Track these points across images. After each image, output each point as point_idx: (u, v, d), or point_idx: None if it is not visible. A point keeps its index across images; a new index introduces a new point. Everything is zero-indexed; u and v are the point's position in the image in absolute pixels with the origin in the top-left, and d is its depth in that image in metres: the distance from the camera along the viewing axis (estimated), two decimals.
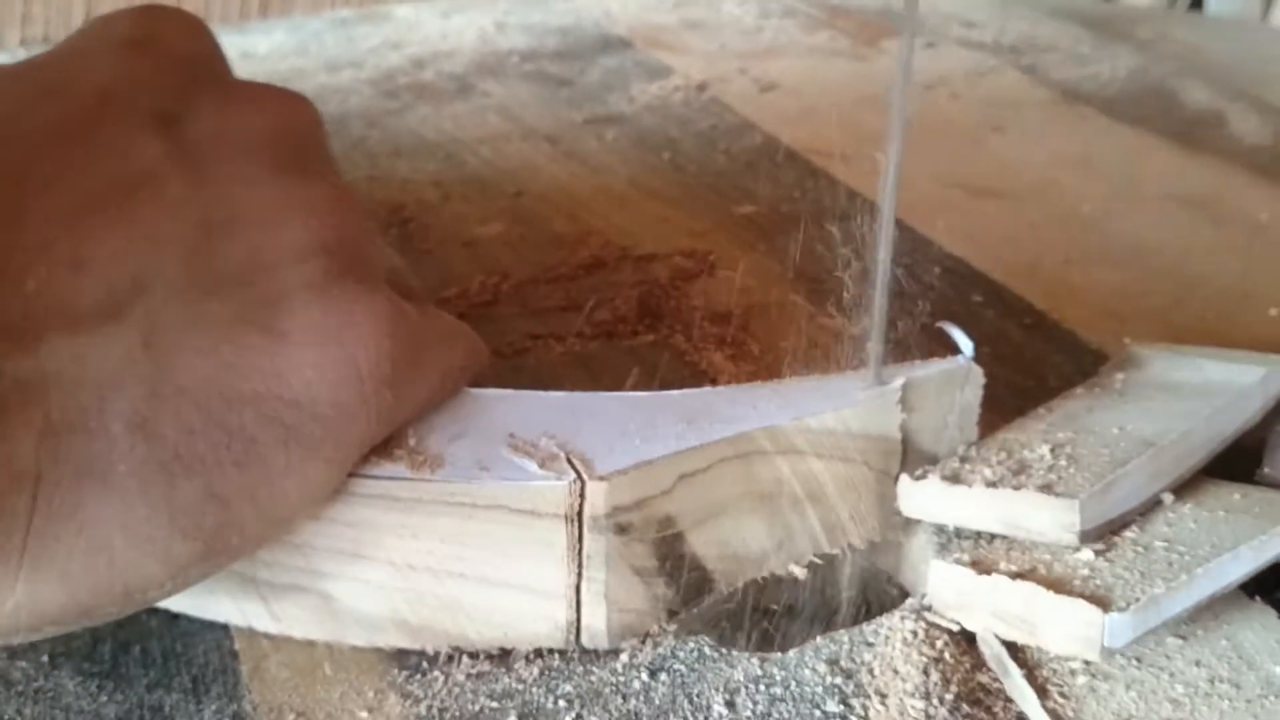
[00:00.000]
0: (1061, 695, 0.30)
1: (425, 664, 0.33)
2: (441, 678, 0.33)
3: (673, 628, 0.34)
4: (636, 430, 0.34)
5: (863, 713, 0.31)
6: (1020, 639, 0.31)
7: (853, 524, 0.36)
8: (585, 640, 0.33)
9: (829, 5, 0.84)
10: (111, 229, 0.29)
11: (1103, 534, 0.32)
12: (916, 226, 0.54)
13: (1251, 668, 0.31)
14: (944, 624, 0.32)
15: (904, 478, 0.34)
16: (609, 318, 0.48)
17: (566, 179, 0.60)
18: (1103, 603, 0.29)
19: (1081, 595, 0.30)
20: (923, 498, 0.34)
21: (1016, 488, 0.32)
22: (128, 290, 0.29)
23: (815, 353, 0.46)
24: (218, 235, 0.31)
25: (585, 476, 0.32)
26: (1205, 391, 0.37)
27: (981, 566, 0.31)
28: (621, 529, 0.32)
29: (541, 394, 0.36)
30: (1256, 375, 0.38)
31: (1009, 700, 0.31)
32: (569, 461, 0.32)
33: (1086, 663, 0.31)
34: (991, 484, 0.33)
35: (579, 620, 0.33)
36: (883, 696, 0.31)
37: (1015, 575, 0.31)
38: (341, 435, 0.31)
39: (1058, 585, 0.30)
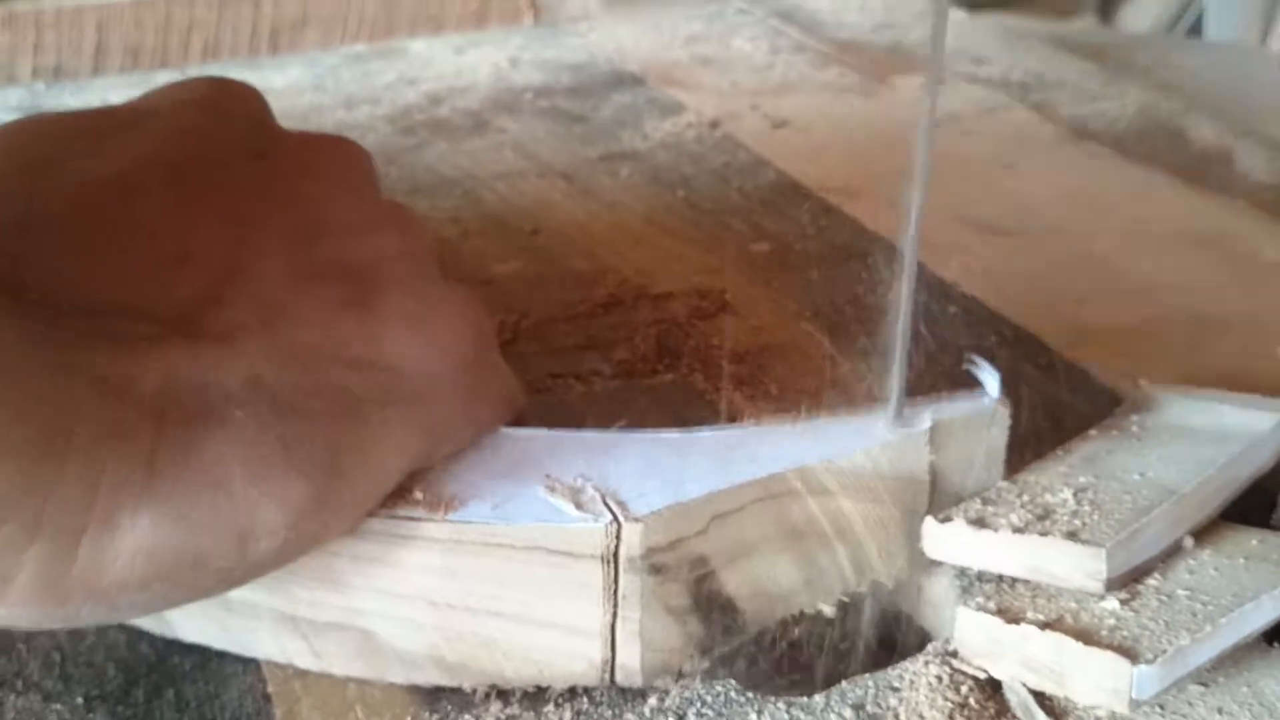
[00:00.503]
0: None
1: (456, 708, 0.33)
2: (471, 719, 0.33)
3: (705, 665, 0.34)
4: (670, 470, 0.35)
5: None
6: (1048, 689, 0.31)
7: (881, 562, 0.36)
8: (620, 678, 0.34)
9: (838, 41, 0.85)
10: (215, 228, 0.32)
11: (1126, 581, 0.32)
12: (931, 265, 0.55)
13: (1273, 715, 0.31)
14: (970, 671, 0.33)
15: (929, 520, 0.35)
16: (628, 357, 0.49)
17: (583, 216, 0.61)
18: (1130, 654, 0.30)
19: (1109, 646, 0.30)
20: (948, 541, 0.34)
21: (1042, 534, 0.33)
22: (233, 277, 0.32)
23: (833, 392, 0.47)
24: (312, 241, 0.34)
25: (621, 518, 0.32)
26: (1222, 437, 0.37)
27: (1009, 615, 0.32)
28: (656, 569, 0.33)
29: (576, 433, 0.37)
30: (1272, 421, 0.38)
31: None
32: (605, 503, 0.33)
33: (1113, 712, 0.31)
34: (1018, 529, 0.33)
35: (614, 659, 0.33)
36: None
37: (1043, 625, 0.31)
38: (428, 402, 0.33)
39: (1085, 636, 0.30)
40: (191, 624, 0.35)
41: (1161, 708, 0.31)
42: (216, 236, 0.33)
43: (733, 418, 0.45)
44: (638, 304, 0.53)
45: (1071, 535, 0.32)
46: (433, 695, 0.34)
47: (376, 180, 0.40)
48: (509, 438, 0.36)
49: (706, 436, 0.37)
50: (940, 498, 0.37)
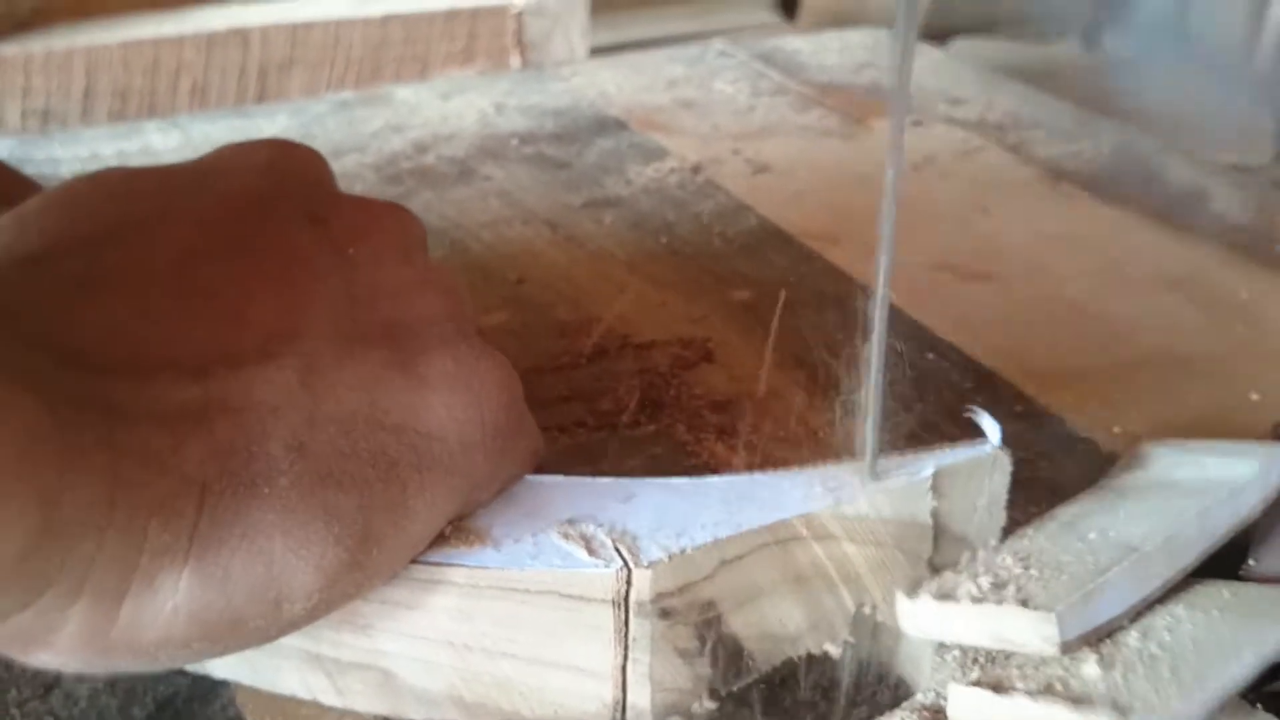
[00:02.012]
0: None
1: None
2: None
3: (714, 705, 0.36)
4: (680, 516, 0.36)
5: None
6: None
7: (886, 605, 0.37)
8: (631, 718, 0.35)
9: (819, 84, 0.86)
10: (270, 290, 0.34)
11: (1089, 642, 0.33)
12: (908, 310, 0.56)
13: None
14: None
15: (900, 596, 0.36)
16: (612, 408, 0.49)
17: (567, 264, 0.61)
18: (1125, 717, 0.30)
19: (1104, 711, 0.30)
20: (919, 616, 0.35)
21: (998, 602, 0.33)
22: (284, 338, 0.33)
23: (816, 442, 0.48)
24: (361, 304, 0.36)
25: (632, 564, 0.34)
26: (1201, 489, 0.38)
27: (1001, 687, 0.32)
28: (665, 613, 0.34)
29: (589, 480, 0.39)
30: (1253, 469, 0.39)
31: None
32: (616, 549, 0.34)
33: None
34: (976, 599, 0.34)
35: (625, 699, 0.35)
36: None
37: (1036, 694, 0.31)
38: (464, 468, 0.35)
39: (1078, 701, 0.31)
40: (221, 662, 0.36)
41: None
42: (270, 300, 0.34)
43: (714, 469, 0.46)
44: (621, 354, 0.53)
45: (1024, 601, 0.33)
46: None
47: (425, 245, 0.42)
48: (526, 483, 0.38)
49: (715, 483, 0.38)
50: (944, 542, 0.38)
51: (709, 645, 0.35)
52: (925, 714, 0.35)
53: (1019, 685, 0.32)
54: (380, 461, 0.33)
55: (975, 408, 0.39)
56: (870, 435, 0.38)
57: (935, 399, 0.50)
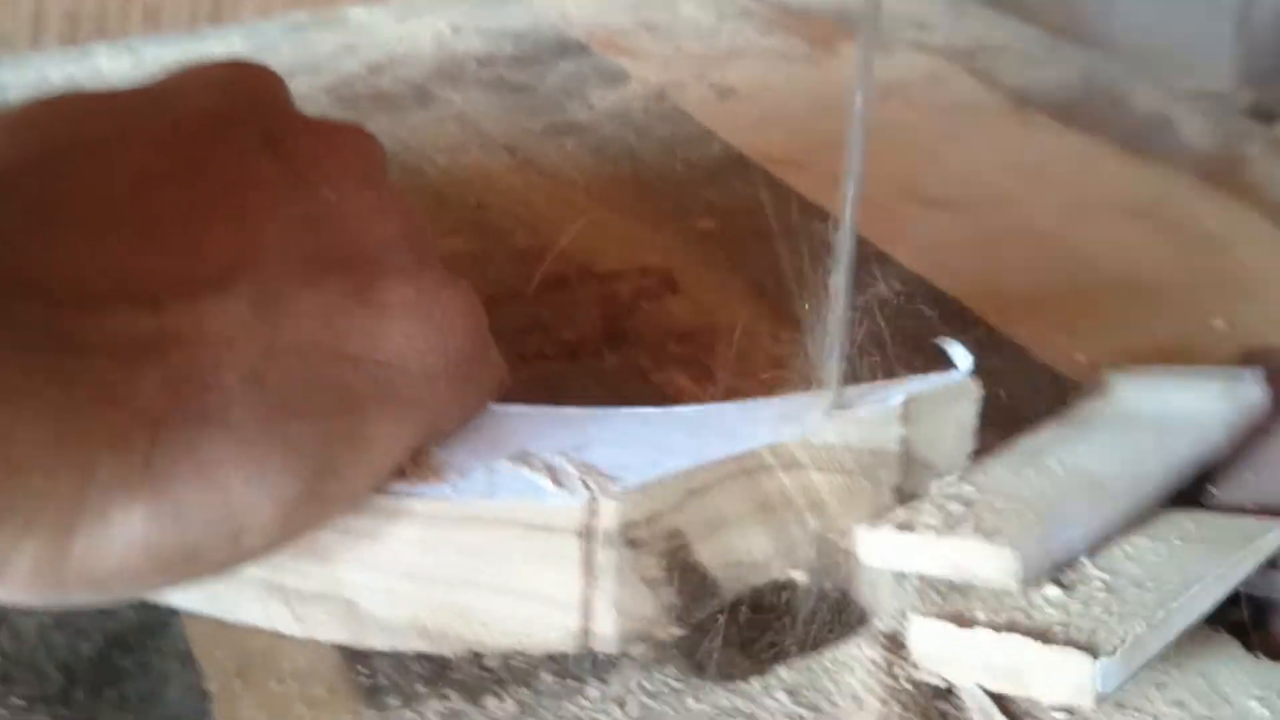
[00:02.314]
0: None
1: (400, 702, 0.34)
2: (412, 716, 0.33)
3: (680, 632, 0.35)
4: (648, 447, 0.36)
5: None
6: (1009, 690, 0.31)
7: (851, 533, 0.37)
8: (596, 646, 0.35)
9: (785, 6, 0.84)
10: (226, 217, 0.33)
11: (1049, 575, 0.33)
12: (874, 240, 0.55)
13: (1227, 703, 0.32)
14: (929, 680, 0.33)
15: (860, 527, 0.35)
16: (573, 338, 0.49)
17: (526, 190, 0.60)
18: (1091, 648, 0.30)
19: (1068, 643, 0.30)
20: (879, 547, 0.35)
21: (959, 534, 0.33)
22: (239, 267, 0.32)
23: (780, 372, 0.47)
24: (319, 229, 0.35)
25: (598, 495, 0.33)
26: (1165, 419, 0.38)
27: (963, 620, 0.32)
28: (632, 543, 0.34)
29: (556, 410, 0.38)
30: (1221, 401, 0.39)
31: None
32: (582, 480, 0.34)
33: (1069, 711, 0.32)
34: (938, 531, 0.33)
35: (590, 627, 0.34)
36: None
37: (999, 627, 0.31)
38: (427, 399, 0.34)
39: (1042, 634, 0.31)
40: (180, 592, 0.35)
41: (1121, 705, 0.32)
42: (225, 228, 0.33)
43: (678, 400, 0.46)
44: (583, 282, 0.52)
45: (986, 534, 0.33)
46: (374, 691, 0.34)
47: (385, 169, 0.41)
48: (491, 413, 0.38)
49: (682, 413, 0.38)
50: (912, 470, 0.38)
51: (675, 574, 0.35)
52: (884, 642, 0.34)
53: (980, 617, 0.32)
54: (339, 392, 0.32)
55: (946, 337, 0.39)
56: (834, 366, 0.37)
57: (900, 329, 0.49)
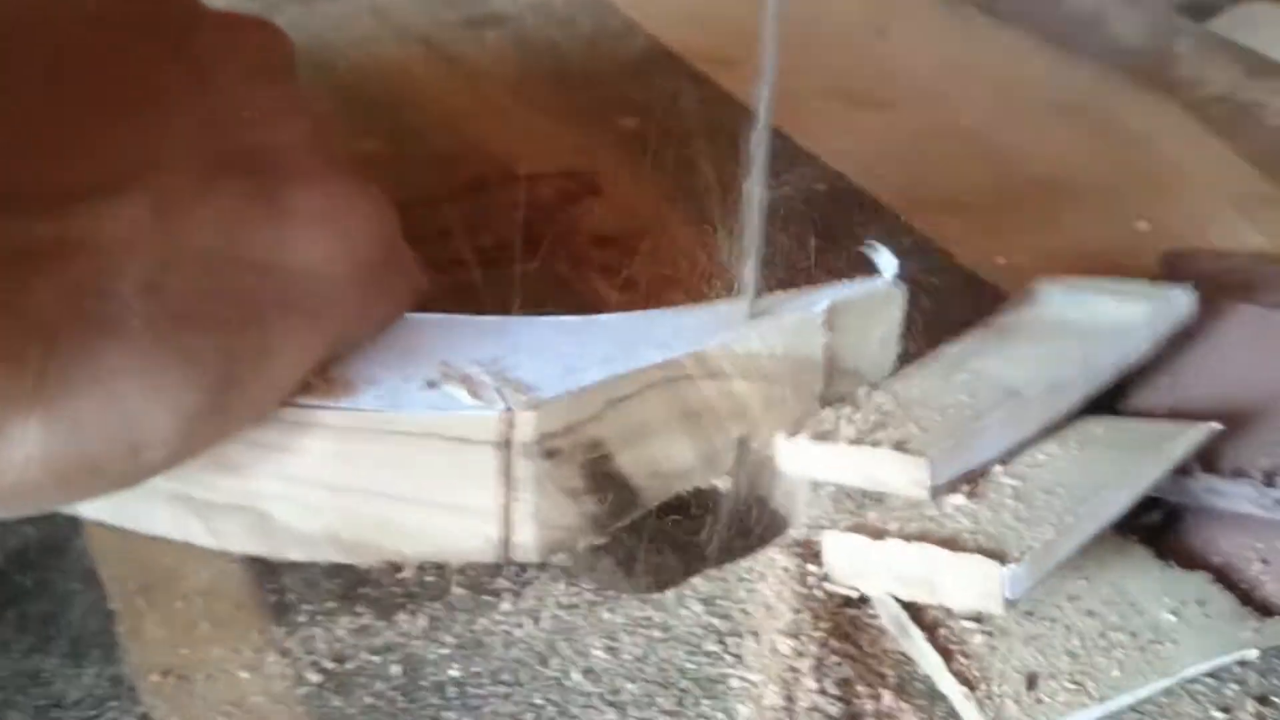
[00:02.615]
0: (964, 655, 0.31)
1: (307, 620, 0.33)
2: (321, 633, 0.33)
3: (602, 540, 0.35)
4: (567, 356, 0.35)
5: (737, 652, 0.32)
6: (921, 599, 0.32)
7: (773, 440, 0.37)
8: (516, 555, 0.35)
9: None
10: (124, 117, 0.31)
11: (961, 485, 0.33)
12: (798, 139, 0.54)
13: (1139, 613, 0.32)
14: (842, 590, 0.33)
15: (780, 436, 0.35)
16: (491, 245, 0.47)
17: (444, 88, 0.58)
18: (998, 555, 0.30)
19: (977, 550, 0.30)
20: (796, 456, 0.35)
21: (874, 444, 0.33)
22: (138, 170, 0.31)
23: (702, 278, 0.46)
24: (223, 131, 0.33)
25: (515, 406, 0.33)
26: (1089, 330, 0.38)
27: (874, 531, 0.32)
28: (550, 454, 0.33)
29: (474, 319, 0.37)
30: (1144, 312, 0.38)
31: (878, 633, 0.33)
32: (499, 390, 0.33)
33: (980, 620, 0.32)
34: (853, 441, 0.33)
35: (510, 537, 0.34)
36: (756, 635, 0.32)
37: (910, 537, 0.31)
38: (334, 307, 0.33)
39: (952, 543, 0.31)
40: (92, 505, 0.35)
41: (1032, 613, 0.32)
42: (124, 129, 0.32)
43: (599, 308, 0.45)
44: (502, 186, 0.51)
45: (899, 445, 0.33)
46: (281, 609, 0.33)
47: (294, 65, 0.39)
48: (407, 322, 0.37)
49: (603, 321, 0.37)
50: (837, 377, 0.37)
51: (597, 484, 0.35)
52: (798, 550, 0.34)
53: (892, 528, 0.32)
54: (241, 301, 0.31)
55: (873, 242, 0.38)
56: (751, 272, 0.37)
57: (824, 232, 0.49)
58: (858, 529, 0.32)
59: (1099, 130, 0.57)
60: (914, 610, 0.32)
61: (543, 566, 0.35)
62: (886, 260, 0.38)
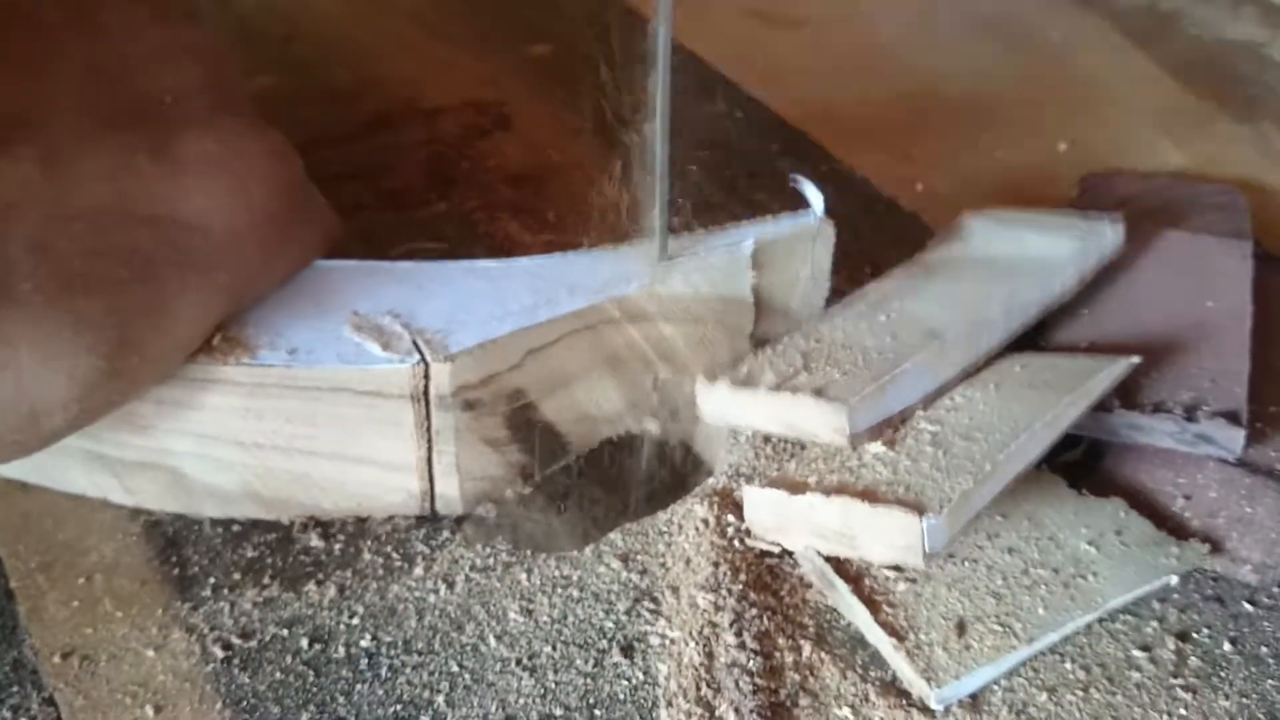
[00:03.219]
0: (890, 605, 0.31)
1: (212, 595, 0.32)
2: (227, 607, 0.32)
3: (529, 489, 0.35)
4: (484, 304, 0.34)
5: (655, 608, 0.32)
6: (843, 553, 0.31)
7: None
8: (440, 507, 0.34)
9: None
10: (5, 70, 0.30)
11: (880, 432, 0.32)
12: (714, 63, 0.52)
13: (1059, 546, 0.32)
14: (763, 546, 0.32)
15: (699, 381, 0.34)
16: (396, 186, 0.45)
17: (343, 18, 0.56)
18: (917, 507, 0.29)
19: (895, 502, 0.29)
20: (716, 402, 0.34)
21: (793, 391, 0.32)
22: (21, 123, 0.30)
23: (612, 217, 0.45)
24: (109, 78, 0.32)
25: (429, 358, 0.32)
26: (1018, 267, 0.37)
27: (794, 486, 0.31)
28: (469, 405, 0.33)
29: (387, 265, 0.36)
30: (1072, 247, 0.38)
31: (798, 582, 0.32)
32: (413, 342, 0.32)
33: (900, 570, 0.31)
34: (772, 387, 0.32)
35: (433, 490, 0.34)
36: (674, 590, 0.32)
37: (829, 491, 0.30)
38: (233, 261, 0.32)
39: (871, 495, 0.30)
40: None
41: (953, 556, 0.32)
42: (6, 80, 0.31)
43: (511, 251, 0.43)
44: (406, 122, 0.49)
45: (818, 391, 0.32)
46: (184, 582, 0.32)
47: (188, 4, 0.38)
48: (316, 270, 0.35)
49: (521, 265, 0.36)
50: (767, 315, 0.37)
51: (521, 433, 0.34)
52: (715, 499, 0.34)
53: (810, 481, 0.31)
54: (134, 260, 0.30)
55: (798, 175, 0.37)
56: (659, 214, 0.35)
57: (741, 164, 0.47)
58: (776, 483, 0.31)
59: (1018, 45, 0.56)
60: (837, 562, 0.32)
61: (457, 526, 0.34)
62: (814, 194, 0.37)
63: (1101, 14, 0.59)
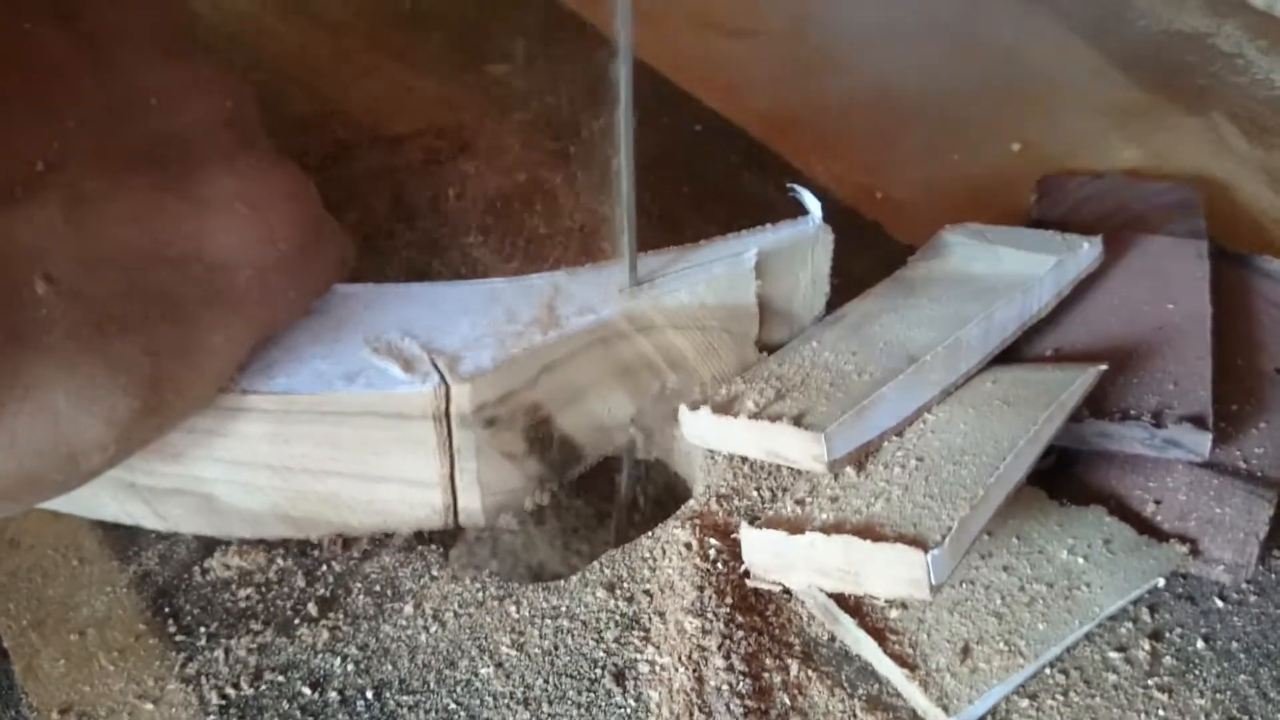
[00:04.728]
0: (893, 632, 0.31)
1: (209, 643, 0.32)
2: (222, 655, 0.32)
3: (547, 499, 0.36)
4: (498, 322, 0.35)
5: (644, 635, 0.32)
6: (846, 590, 0.31)
7: (715, 384, 0.38)
8: (463, 520, 0.35)
9: None
10: (20, 115, 0.30)
11: (859, 458, 0.33)
12: (673, 77, 0.53)
13: (1049, 560, 0.33)
14: (764, 586, 0.33)
15: (682, 408, 0.35)
16: (360, 218, 0.46)
17: (303, 44, 0.56)
18: (920, 542, 0.29)
19: (897, 538, 0.30)
20: (699, 427, 0.34)
21: (773, 418, 0.33)
22: (42, 170, 0.30)
23: (581, 238, 0.45)
24: (125, 117, 0.32)
25: (449, 380, 0.33)
26: (995, 285, 0.38)
27: (793, 526, 0.31)
28: (489, 422, 0.34)
29: (401, 287, 0.37)
30: (1048, 264, 0.38)
31: (784, 602, 0.33)
32: (433, 364, 0.33)
33: (905, 606, 0.32)
34: (753, 414, 0.33)
35: (455, 504, 0.35)
36: (661, 615, 0.32)
37: (828, 529, 0.30)
38: (260, 294, 0.33)
39: (871, 531, 0.30)
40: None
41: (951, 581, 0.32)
42: (26, 124, 0.30)
43: (482, 275, 0.44)
44: (368, 151, 0.49)
45: (797, 419, 0.32)
46: (178, 632, 0.32)
47: (192, 33, 0.38)
48: (335, 294, 0.36)
49: (533, 282, 0.37)
50: (771, 320, 0.38)
51: (538, 445, 0.35)
52: (696, 522, 0.34)
53: (809, 520, 0.31)
54: (165, 300, 0.31)
55: (796, 185, 0.38)
56: (627, 238, 0.36)
57: (705, 177, 0.48)
58: (774, 523, 0.32)
59: (969, 48, 0.57)
60: (839, 595, 0.32)
61: (444, 561, 0.34)
62: (811, 202, 0.38)
63: (1049, 10, 0.60)
